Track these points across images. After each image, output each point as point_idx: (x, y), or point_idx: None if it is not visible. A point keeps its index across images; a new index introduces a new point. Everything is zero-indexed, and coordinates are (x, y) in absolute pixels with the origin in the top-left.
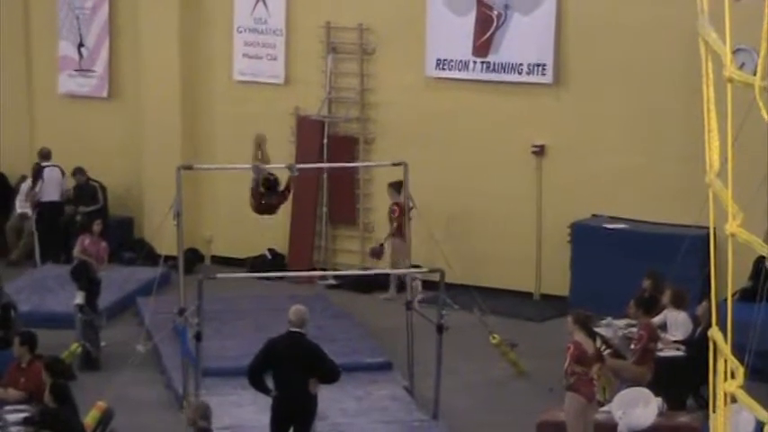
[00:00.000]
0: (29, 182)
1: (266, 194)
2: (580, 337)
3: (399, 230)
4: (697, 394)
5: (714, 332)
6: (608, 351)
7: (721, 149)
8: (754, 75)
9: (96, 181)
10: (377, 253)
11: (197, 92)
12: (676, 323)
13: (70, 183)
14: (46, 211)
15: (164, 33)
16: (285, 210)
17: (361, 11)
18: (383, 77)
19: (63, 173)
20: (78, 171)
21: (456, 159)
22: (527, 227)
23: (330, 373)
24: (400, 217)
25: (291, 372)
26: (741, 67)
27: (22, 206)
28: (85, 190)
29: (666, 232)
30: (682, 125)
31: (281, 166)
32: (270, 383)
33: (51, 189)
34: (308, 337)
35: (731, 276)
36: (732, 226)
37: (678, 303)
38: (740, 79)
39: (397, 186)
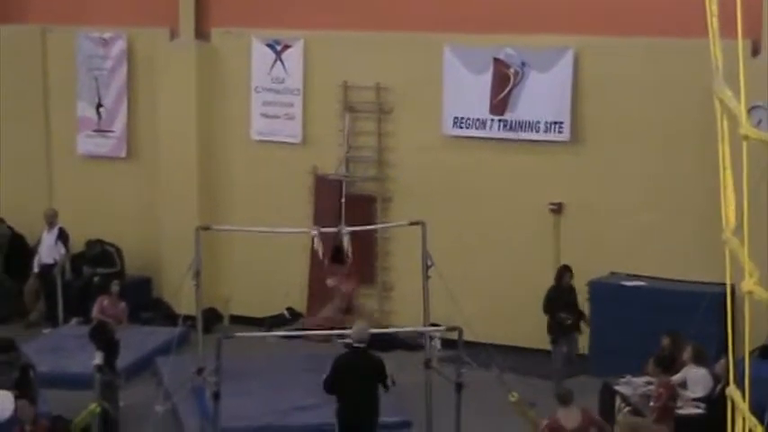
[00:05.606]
0: (59, 245)
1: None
2: (561, 413)
3: None
4: None
5: (732, 390)
6: (627, 409)
7: (738, 207)
8: None
9: (112, 245)
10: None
11: (215, 152)
12: (696, 380)
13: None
14: (45, 274)
15: (181, 93)
16: (303, 269)
17: (378, 70)
18: (400, 136)
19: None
20: (93, 243)
21: (473, 217)
22: (545, 285)
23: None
24: None
25: (354, 383)
26: (757, 124)
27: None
28: (102, 256)
29: (685, 290)
30: (699, 182)
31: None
32: None
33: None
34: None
35: (749, 334)
36: (749, 283)
37: (699, 360)
38: (756, 137)
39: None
